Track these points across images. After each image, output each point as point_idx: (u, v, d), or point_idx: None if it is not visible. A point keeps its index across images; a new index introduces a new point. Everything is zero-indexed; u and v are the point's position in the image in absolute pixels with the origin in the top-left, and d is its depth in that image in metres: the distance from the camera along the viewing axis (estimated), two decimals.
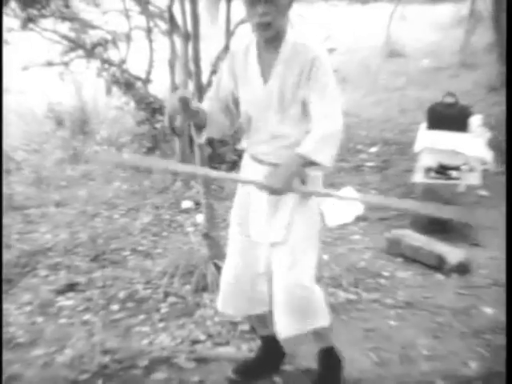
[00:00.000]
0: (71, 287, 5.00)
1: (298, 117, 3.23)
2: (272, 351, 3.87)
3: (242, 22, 7.77)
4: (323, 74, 3.12)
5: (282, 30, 3.15)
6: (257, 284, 3.50)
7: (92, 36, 8.87)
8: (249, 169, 3.45)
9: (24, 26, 7.97)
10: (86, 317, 4.52)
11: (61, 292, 4.92)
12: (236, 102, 3.39)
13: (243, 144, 3.52)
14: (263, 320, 3.70)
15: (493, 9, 13.16)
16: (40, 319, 4.51)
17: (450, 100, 7.05)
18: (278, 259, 3.36)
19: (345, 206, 6.19)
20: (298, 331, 3.37)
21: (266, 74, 3.20)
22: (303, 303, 3.33)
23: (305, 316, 3.36)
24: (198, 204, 6.61)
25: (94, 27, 8.87)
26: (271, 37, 3.13)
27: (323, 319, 3.44)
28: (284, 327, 3.36)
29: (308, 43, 3.16)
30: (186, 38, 6.19)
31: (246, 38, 3.32)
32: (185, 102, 3.04)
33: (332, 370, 3.69)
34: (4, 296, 4.79)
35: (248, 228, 3.43)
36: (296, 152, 3.09)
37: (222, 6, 7.93)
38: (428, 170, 6.43)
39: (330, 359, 3.68)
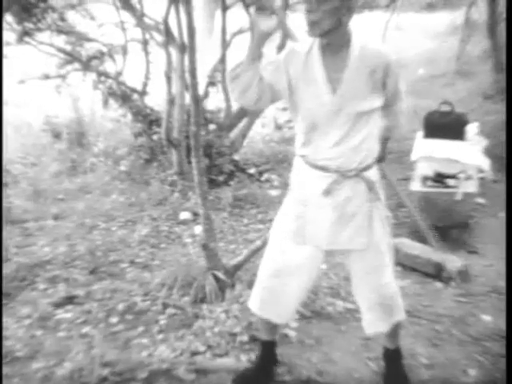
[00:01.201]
0: (70, 300, 4.98)
1: (366, 121, 3.25)
2: (270, 359, 3.89)
3: (238, 32, 7.80)
4: (397, 79, 3.28)
5: (344, 33, 3.15)
6: (300, 292, 3.57)
7: (88, 49, 8.90)
8: (308, 177, 3.40)
9: (20, 40, 7.99)
10: (85, 329, 4.51)
11: (59, 305, 4.90)
12: (272, 96, 3.36)
13: (300, 151, 3.43)
14: (275, 326, 3.75)
15: (488, 17, 13.20)
16: (39, 332, 4.49)
17: (446, 108, 7.07)
18: (360, 264, 3.48)
19: None
20: (387, 325, 3.57)
21: (333, 80, 3.17)
22: (391, 301, 3.53)
23: (392, 311, 3.55)
24: (195, 215, 6.62)
25: (90, 40, 8.89)
26: (317, 36, 3.14)
27: (402, 312, 3.63)
28: (374, 324, 3.58)
29: (380, 48, 3.21)
30: (182, 49, 6.21)
31: (271, 49, 3.34)
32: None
33: (402, 371, 3.84)
34: (3, 309, 4.78)
35: (304, 237, 3.43)
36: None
37: (218, 16, 7.95)
38: (425, 178, 6.44)
39: (399, 359, 3.84)
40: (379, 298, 3.49)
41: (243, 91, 3.26)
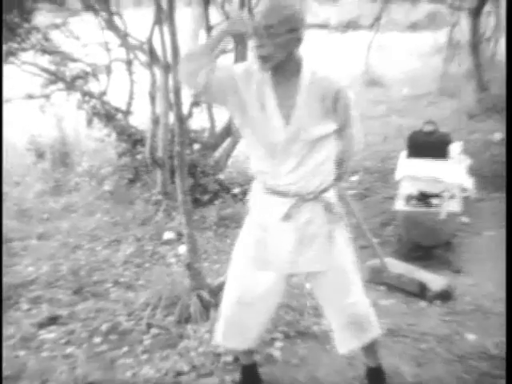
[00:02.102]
0: (53, 320, 4.96)
1: (324, 143, 3.28)
2: (254, 380, 3.89)
3: (222, 52, 7.82)
4: (347, 106, 3.28)
5: (294, 62, 3.19)
6: (264, 317, 3.60)
7: (72, 68, 8.89)
8: (267, 202, 3.42)
9: (4, 60, 7.97)
10: (69, 350, 4.48)
11: (43, 325, 4.88)
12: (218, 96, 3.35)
13: (257, 176, 3.48)
14: (250, 350, 3.74)
15: (470, 37, 13.31)
16: (22, 353, 4.46)
17: (429, 128, 7.12)
18: (325, 285, 3.50)
19: None
20: (359, 343, 3.59)
21: (285, 108, 3.20)
22: (363, 318, 3.55)
23: (363, 329, 3.56)
24: (180, 235, 6.59)
25: (74, 60, 8.88)
26: (269, 69, 3.17)
27: (377, 328, 3.64)
28: (345, 342, 3.61)
29: (329, 76, 3.23)
30: (166, 69, 6.21)
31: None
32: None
33: None
34: None
35: (265, 262, 3.44)
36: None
37: (202, 36, 7.98)
38: (409, 197, 6.46)
39: (382, 378, 3.85)
40: (348, 317, 3.51)
41: (192, 73, 3.23)
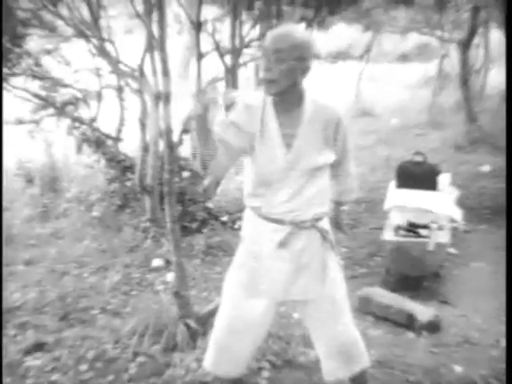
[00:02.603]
0: (39, 347, 4.93)
1: (320, 173, 3.31)
2: None
3: (213, 80, 7.85)
4: (346, 136, 3.35)
5: (298, 91, 3.23)
6: (254, 344, 3.61)
7: (63, 94, 8.89)
8: (261, 229, 3.42)
9: None
10: (55, 377, 4.44)
11: (28, 352, 4.84)
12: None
13: (251, 203, 3.47)
14: (238, 379, 3.73)
15: (460, 69, 13.41)
16: (7, 380, 4.42)
17: (418, 158, 7.15)
18: (316, 313, 3.49)
19: None
20: (347, 372, 3.57)
21: (287, 137, 3.22)
22: (352, 348, 3.54)
23: (352, 358, 3.55)
24: (168, 262, 6.58)
25: (64, 85, 8.88)
26: (274, 94, 3.21)
27: (366, 359, 3.63)
28: (333, 371, 3.59)
29: (330, 105, 3.30)
30: (157, 96, 6.23)
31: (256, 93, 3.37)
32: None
33: None
34: None
35: (258, 289, 3.44)
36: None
37: (193, 64, 8.00)
38: (397, 227, 6.47)
39: None
40: (337, 345, 3.51)
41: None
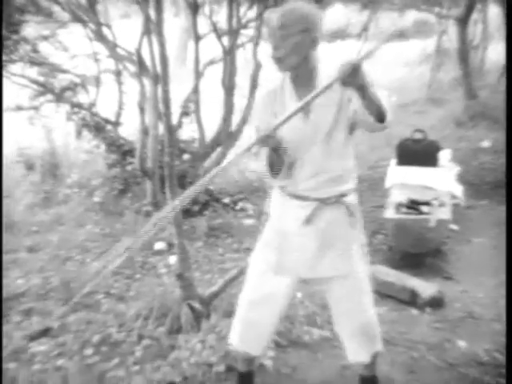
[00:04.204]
0: (44, 332, 4.95)
1: (341, 148, 3.28)
2: None
3: (211, 62, 7.83)
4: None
5: (311, 65, 3.21)
6: (275, 320, 3.58)
7: (61, 80, 8.88)
8: (287, 207, 3.40)
9: None
10: (60, 362, 4.46)
11: (34, 337, 4.86)
12: None
13: (278, 183, 3.43)
14: (253, 357, 3.75)
15: (458, 45, 13.37)
16: (13, 365, 4.44)
17: (418, 136, 7.15)
18: (340, 291, 3.45)
19: None
20: (368, 355, 3.53)
21: (305, 109, 3.17)
22: (372, 329, 3.52)
23: (373, 340, 3.53)
24: (170, 245, 6.59)
25: (63, 71, 8.87)
26: (285, 71, 3.21)
27: (380, 343, 3.61)
28: (357, 352, 3.55)
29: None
30: (155, 80, 6.21)
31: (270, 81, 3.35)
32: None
33: None
34: None
35: (284, 267, 3.43)
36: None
37: (191, 46, 7.98)
38: (399, 205, 6.47)
39: None
40: (360, 325, 3.47)
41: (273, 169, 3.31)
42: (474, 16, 14.32)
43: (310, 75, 3.23)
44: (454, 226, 6.95)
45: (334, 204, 3.31)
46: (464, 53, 13.33)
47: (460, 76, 13.77)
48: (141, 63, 6.88)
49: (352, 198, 3.41)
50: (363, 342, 3.51)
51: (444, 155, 7.41)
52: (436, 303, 5.22)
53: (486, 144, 10.48)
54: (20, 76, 8.52)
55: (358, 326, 3.48)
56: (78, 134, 8.96)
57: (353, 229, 3.39)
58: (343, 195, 3.34)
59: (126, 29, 10.59)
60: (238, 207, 8.05)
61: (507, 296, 3.51)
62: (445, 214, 6.35)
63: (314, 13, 3.14)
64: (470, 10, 13.10)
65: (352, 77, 2.85)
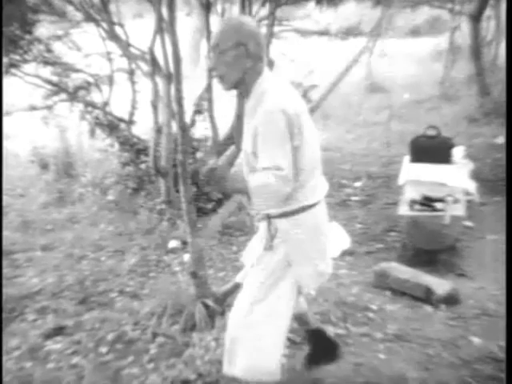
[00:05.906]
0: (59, 331, 4.97)
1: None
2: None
3: None
4: (266, 129, 3.05)
5: (247, 82, 3.19)
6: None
7: (74, 79, 8.91)
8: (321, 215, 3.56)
9: (6, 72, 7.99)
10: (75, 360, 4.49)
11: (49, 336, 4.88)
12: None
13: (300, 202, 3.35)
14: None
15: (471, 42, 13.32)
16: (28, 364, 4.47)
17: (432, 132, 7.13)
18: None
19: (331, 240, 6.20)
20: None
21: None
22: None
23: None
24: (184, 243, 6.60)
25: (76, 70, 8.90)
26: (229, 89, 3.24)
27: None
28: None
29: (268, 95, 3.11)
30: (168, 78, 6.23)
31: None
32: None
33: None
34: None
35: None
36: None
37: (203, 45, 7.98)
38: (412, 202, 6.45)
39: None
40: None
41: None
42: (487, 12, 14.26)
43: (245, 91, 3.24)
44: (468, 223, 6.93)
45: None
46: (477, 49, 13.29)
47: (473, 72, 13.73)
48: (154, 62, 6.90)
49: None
50: None
51: (457, 152, 7.40)
52: (450, 300, 5.21)
53: (499, 140, 10.44)
54: (34, 76, 8.55)
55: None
56: (92, 133, 8.99)
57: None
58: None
59: (139, 28, 10.58)
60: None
61: (507, 296, 3.50)
62: (459, 210, 6.33)
63: (247, 25, 3.13)
64: (483, 6, 13.06)
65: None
